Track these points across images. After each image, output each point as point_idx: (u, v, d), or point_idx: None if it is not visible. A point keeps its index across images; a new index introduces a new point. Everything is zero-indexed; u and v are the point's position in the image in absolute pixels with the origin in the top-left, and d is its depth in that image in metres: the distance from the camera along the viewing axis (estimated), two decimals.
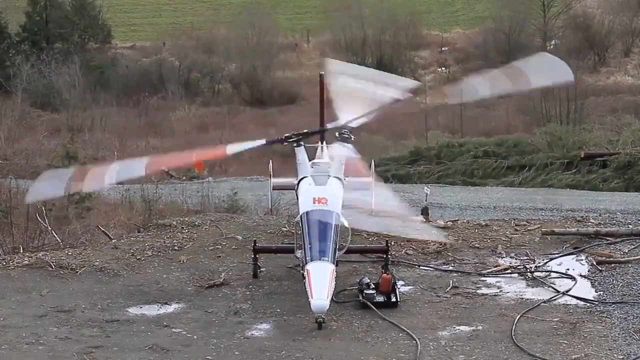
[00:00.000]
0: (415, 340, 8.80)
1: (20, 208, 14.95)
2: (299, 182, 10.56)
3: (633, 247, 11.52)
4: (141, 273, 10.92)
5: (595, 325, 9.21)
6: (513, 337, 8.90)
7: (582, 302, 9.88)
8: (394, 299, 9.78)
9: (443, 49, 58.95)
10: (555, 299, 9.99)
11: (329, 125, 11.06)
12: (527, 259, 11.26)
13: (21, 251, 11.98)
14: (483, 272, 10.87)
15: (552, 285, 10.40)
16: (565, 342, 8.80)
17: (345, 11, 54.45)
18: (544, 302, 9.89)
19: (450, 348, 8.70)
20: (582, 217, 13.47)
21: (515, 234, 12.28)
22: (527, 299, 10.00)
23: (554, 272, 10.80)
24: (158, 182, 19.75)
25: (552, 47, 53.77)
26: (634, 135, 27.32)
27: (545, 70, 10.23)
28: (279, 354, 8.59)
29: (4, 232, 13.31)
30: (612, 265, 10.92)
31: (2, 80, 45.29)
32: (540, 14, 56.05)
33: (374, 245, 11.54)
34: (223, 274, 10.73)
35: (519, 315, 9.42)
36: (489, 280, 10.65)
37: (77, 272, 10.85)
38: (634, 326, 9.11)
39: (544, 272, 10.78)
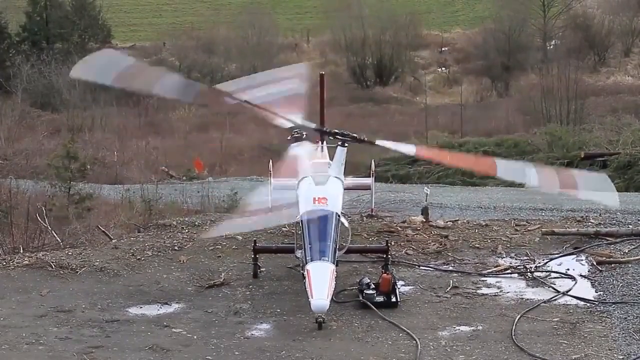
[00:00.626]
0: (415, 340, 8.80)
1: (20, 208, 14.96)
2: (299, 182, 10.57)
3: (633, 247, 11.53)
4: (141, 273, 10.92)
5: (595, 325, 9.21)
6: (513, 337, 8.90)
7: (582, 302, 9.88)
8: (394, 299, 9.78)
9: (443, 49, 58.97)
10: (555, 299, 9.99)
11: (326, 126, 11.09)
12: (527, 259, 11.26)
13: (21, 251, 11.99)
14: (483, 272, 10.88)
15: (552, 285, 10.40)
16: (565, 342, 8.80)
17: (345, 11, 54.44)
18: (544, 302, 9.89)
19: (450, 348, 8.70)
20: (582, 217, 13.48)
21: (515, 234, 12.29)
22: (527, 299, 10.00)
23: (554, 272, 10.81)
24: (158, 182, 19.78)
25: (552, 47, 53.82)
26: (634, 135, 27.29)
27: (595, 187, 10.32)
28: (279, 354, 8.59)
29: (4, 232, 13.31)
30: (612, 265, 10.93)
31: (2, 80, 45.28)
32: (540, 14, 56.05)
33: (374, 245, 11.56)
34: (223, 274, 10.73)
35: (519, 315, 9.42)
36: (489, 280, 10.66)
37: (77, 272, 10.85)
38: (634, 326, 9.11)
39: (544, 272, 10.78)
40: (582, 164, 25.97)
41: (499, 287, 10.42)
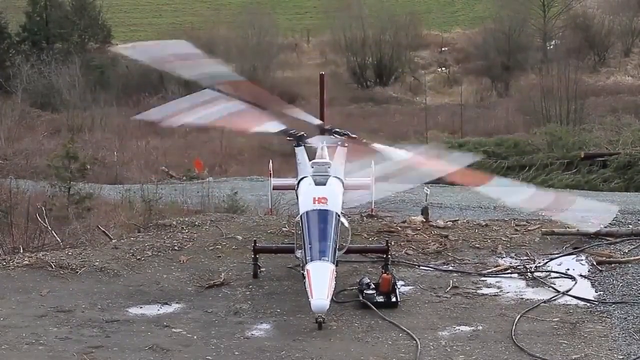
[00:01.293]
0: (415, 340, 8.80)
1: (20, 208, 14.96)
2: (299, 182, 10.57)
3: (633, 247, 11.53)
4: (141, 273, 10.92)
5: (596, 325, 9.21)
6: (513, 337, 8.90)
7: (582, 302, 9.88)
8: (394, 299, 9.79)
9: (443, 49, 58.94)
10: (555, 299, 9.99)
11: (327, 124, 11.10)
12: (527, 259, 11.26)
13: (21, 251, 11.98)
14: (483, 272, 10.88)
15: (552, 285, 10.40)
16: (565, 342, 8.80)
17: (345, 11, 54.42)
18: (544, 302, 9.89)
19: (450, 348, 8.70)
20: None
21: (515, 234, 12.29)
22: (527, 299, 10.00)
23: (554, 272, 10.81)
24: (158, 182, 19.78)
25: (552, 47, 53.80)
26: (634, 135, 27.29)
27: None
28: (279, 354, 8.59)
29: (4, 232, 13.31)
30: (612, 265, 10.93)
31: (2, 80, 45.24)
32: (540, 14, 56.02)
33: (374, 245, 11.55)
34: (223, 274, 10.73)
35: (519, 315, 9.42)
36: (489, 280, 10.66)
37: (77, 272, 10.85)
38: (634, 326, 9.12)
39: (544, 272, 10.78)
40: (582, 164, 25.99)
41: (499, 287, 10.43)
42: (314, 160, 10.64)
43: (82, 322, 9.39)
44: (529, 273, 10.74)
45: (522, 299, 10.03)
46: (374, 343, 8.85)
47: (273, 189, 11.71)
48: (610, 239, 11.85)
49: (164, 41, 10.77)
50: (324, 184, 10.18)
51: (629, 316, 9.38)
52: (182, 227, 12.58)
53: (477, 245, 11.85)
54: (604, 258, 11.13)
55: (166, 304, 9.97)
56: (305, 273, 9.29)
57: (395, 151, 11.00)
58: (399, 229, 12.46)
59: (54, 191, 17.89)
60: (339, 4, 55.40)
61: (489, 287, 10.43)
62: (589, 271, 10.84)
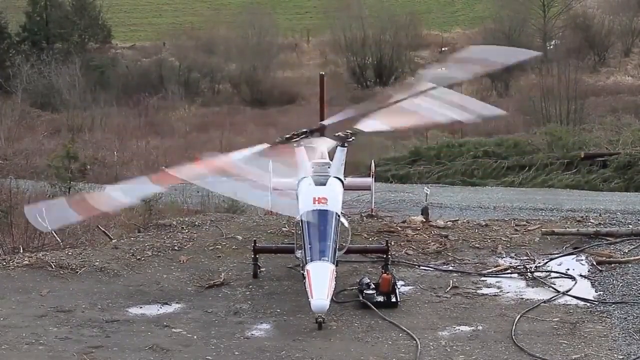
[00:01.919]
0: (415, 340, 8.80)
1: (20, 208, 14.94)
2: (299, 182, 10.57)
3: (633, 247, 11.53)
4: (141, 273, 10.92)
5: (596, 325, 9.21)
6: (513, 337, 8.90)
7: (582, 302, 9.88)
8: (394, 299, 9.79)
9: (443, 49, 58.90)
10: (555, 299, 10.00)
11: (326, 122, 11.07)
12: (527, 259, 11.26)
13: (21, 251, 11.99)
14: (483, 272, 10.88)
15: (552, 285, 10.40)
16: (565, 342, 8.80)
17: (345, 11, 54.40)
18: (544, 302, 9.89)
19: (450, 348, 8.70)
20: (582, 217, 13.48)
21: (515, 234, 12.29)
22: (527, 299, 10.00)
23: (554, 272, 10.81)
24: None
25: (552, 47, 53.77)
26: (634, 135, 27.31)
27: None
28: (279, 354, 8.59)
29: (4, 232, 13.31)
30: (612, 265, 10.93)
31: (2, 80, 45.24)
32: (540, 14, 56.00)
33: (374, 245, 11.56)
34: (223, 274, 10.73)
35: (519, 315, 9.42)
36: (489, 280, 10.66)
37: (77, 272, 10.85)
38: (634, 326, 9.12)
39: (544, 272, 10.78)
40: (582, 164, 25.99)
41: (499, 287, 10.43)
42: (314, 161, 10.64)
43: (82, 322, 9.40)
44: (529, 273, 10.74)
45: (522, 299, 10.03)
46: (374, 343, 8.85)
47: (273, 189, 11.71)
48: (610, 239, 11.85)
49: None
50: (324, 184, 10.18)
51: (629, 316, 9.39)
52: (182, 227, 12.58)
53: (477, 245, 11.85)
54: (604, 258, 11.14)
55: (166, 304, 9.98)
56: (305, 273, 9.30)
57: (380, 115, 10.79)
58: (399, 229, 12.47)
59: (54, 191, 17.89)
60: (339, 4, 55.37)
61: (489, 287, 10.43)
62: (589, 271, 10.84)
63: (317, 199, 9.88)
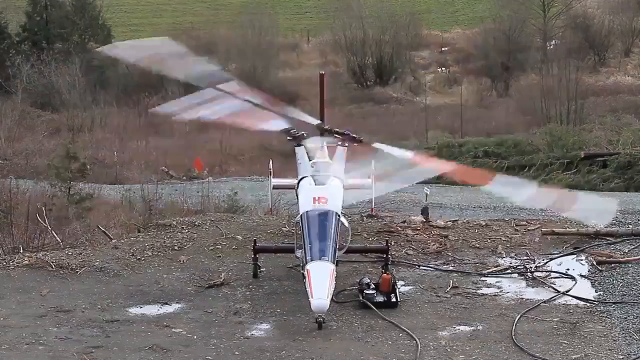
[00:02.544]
0: (415, 340, 8.80)
1: (20, 208, 14.95)
2: (299, 181, 10.58)
3: (633, 247, 11.53)
4: (141, 273, 10.93)
5: (596, 325, 9.21)
6: (513, 337, 8.90)
7: (582, 302, 9.88)
8: (394, 299, 9.79)
9: (443, 49, 58.93)
10: (555, 299, 10.00)
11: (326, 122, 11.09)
12: (527, 259, 11.26)
13: (21, 251, 11.98)
14: (483, 272, 10.88)
15: (552, 285, 10.40)
16: (565, 342, 8.80)
17: (345, 11, 54.41)
18: (544, 302, 9.90)
19: (450, 348, 8.70)
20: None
21: (515, 234, 12.29)
22: (527, 299, 10.01)
23: (554, 272, 10.81)
24: (158, 182, 19.77)
25: (552, 47, 53.78)
26: (634, 135, 27.31)
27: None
28: (279, 354, 8.59)
29: (4, 232, 13.30)
30: (612, 265, 10.93)
31: (2, 80, 45.22)
32: (540, 14, 56.01)
33: (374, 245, 11.55)
34: (223, 274, 10.73)
35: (519, 315, 9.42)
36: (489, 280, 10.66)
37: (77, 272, 10.85)
38: (634, 326, 9.12)
39: (544, 272, 10.78)
40: (582, 164, 26.00)
41: (499, 287, 10.43)
42: (314, 160, 10.64)
43: (82, 322, 9.40)
44: (529, 273, 10.74)
45: (522, 299, 10.04)
46: (374, 343, 8.85)
47: (273, 189, 11.71)
48: (610, 239, 11.86)
49: (149, 40, 10.90)
50: (324, 184, 10.18)
51: (629, 316, 9.39)
52: (182, 227, 12.58)
53: (477, 245, 11.85)
54: (604, 258, 11.14)
55: (166, 304, 9.98)
56: (305, 273, 9.29)
57: (396, 150, 10.99)
58: (399, 229, 12.47)
59: (54, 191, 17.87)
60: (339, 4, 55.38)
61: (489, 287, 10.44)
62: (589, 271, 10.84)
63: (317, 198, 9.88)
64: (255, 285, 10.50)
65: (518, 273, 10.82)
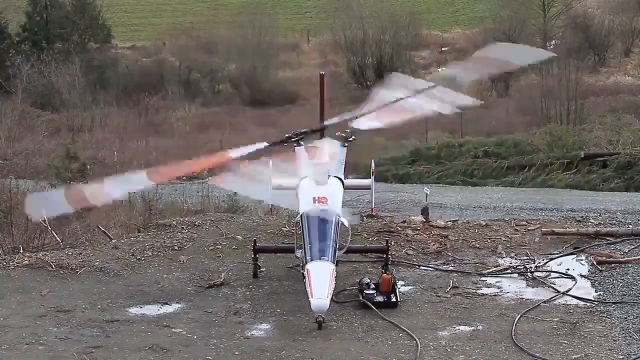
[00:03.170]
0: (415, 340, 8.80)
1: (20, 208, 14.95)
2: (299, 181, 10.56)
3: (633, 247, 11.53)
4: (141, 273, 10.93)
5: (596, 325, 9.21)
6: (513, 337, 8.90)
7: (582, 302, 9.88)
8: (394, 299, 9.79)
9: (443, 49, 58.92)
10: (555, 299, 10.00)
11: (327, 122, 11.07)
12: (527, 259, 11.26)
13: (21, 251, 11.99)
14: (483, 272, 10.88)
15: (552, 285, 10.40)
16: (565, 342, 8.80)
17: (345, 11, 54.41)
18: (544, 302, 9.89)
19: (450, 348, 8.70)
20: (582, 217, 13.47)
21: (515, 234, 12.29)
22: (527, 299, 10.01)
23: (554, 272, 10.81)
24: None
25: (552, 47, 53.77)
26: (634, 135, 27.33)
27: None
28: (279, 354, 8.59)
29: (4, 232, 13.31)
30: (612, 265, 10.93)
31: (2, 80, 45.23)
32: (540, 14, 56.02)
33: (374, 245, 11.56)
34: (223, 274, 10.73)
35: (519, 315, 9.42)
36: (489, 280, 10.66)
37: (77, 272, 10.85)
38: (634, 326, 9.12)
39: (544, 272, 10.78)
40: (582, 164, 26.01)
41: (499, 287, 10.43)
42: (314, 161, 10.64)
43: (82, 322, 9.40)
44: (529, 273, 10.74)
45: (522, 299, 10.03)
46: (374, 343, 8.85)
47: (273, 189, 11.71)
48: (610, 239, 11.86)
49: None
50: (324, 184, 10.18)
51: (629, 316, 9.39)
52: (182, 227, 12.59)
53: (477, 245, 11.85)
54: (604, 258, 11.14)
55: (166, 304, 9.98)
56: (305, 273, 9.29)
57: (370, 113, 10.76)
58: (399, 229, 12.47)
59: None
60: (339, 4, 55.38)
61: (489, 287, 10.44)
62: (589, 271, 10.84)
63: (317, 198, 9.88)
64: (255, 285, 10.50)
65: (518, 273, 10.82)
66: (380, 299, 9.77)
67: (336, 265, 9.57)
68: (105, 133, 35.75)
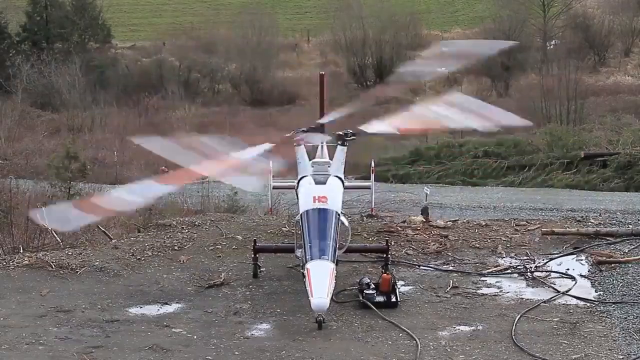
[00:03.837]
0: (415, 340, 8.80)
1: (20, 208, 14.95)
2: (299, 181, 10.58)
3: (633, 247, 11.53)
4: (141, 273, 10.93)
5: (595, 325, 9.22)
6: (513, 337, 8.90)
7: (582, 302, 9.88)
8: (394, 299, 9.79)
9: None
10: (555, 299, 10.00)
11: (326, 121, 11.07)
12: (527, 259, 11.26)
13: (21, 251, 11.99)
14: (483, 272, 10.88)
15: (552, 285, 10.40)
16: (565, 342, 8.80)
17: (345, 11, 54.40)
18: (544, 302, 9.90)
19: (450, 348, 8.70)
20: (582, 217, 13.47)
21: (515, 234, 12.29)
22: (527, 299, 10.01)
23: (554, 272, 10.81)
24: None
25: (552, 47, 53.77)
26: (634, 135, 27.30)
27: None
28: (279, 354, 8.59)
29: (4, 232, 13.30)
30: (612, 265, 10.93)
31: (2, 80, 45.21)
32: (540, 14, 55.97)
33: (374, 245, 11.55)
34: (223, 274, 10.73)
35: (519, 315, 9.42)
36: (489, 280, 10.66)
37: (77, 272, 10.85)
38: (634, 326, 9.12)
39: (544, 272, 10.78)
40: (582, 164, 25.99)
41: (499, 287, 10.43)
42: (314, 160, 10.65)
43: (82, 322, 9.40)
44: (529, 273, 10.74)
45: (522, 299, 10.03)
46: (374, 343, 8.85)
47: (273, 189, 11.71)
48: (610, 239, 11.86)
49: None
50: (324, 183, 10.18)
51: (629, 316, 9.39)
52: (182, 227, 12.59)
53: (477, 245, 11.85)
54: (604, 258, 11.14)
55: (166, 304, 9.98)
56: (305, 272, 9.29)
57: (382, 126, 10.73)
58: (399, 229, 12.47)
59: (54, 191, 17.88)
60: (339, 4, 55.36)
61: (489, 287, 10.43)
62: (589, 271, 10.84)
63: (317, 197, 9.88)
64: (255, 285, 10.50)
65: (518, 273, 10.82)
66: (380, 299, 9.77)
67: (336, 264, 9.57)
68: (105, 133, 35.73)
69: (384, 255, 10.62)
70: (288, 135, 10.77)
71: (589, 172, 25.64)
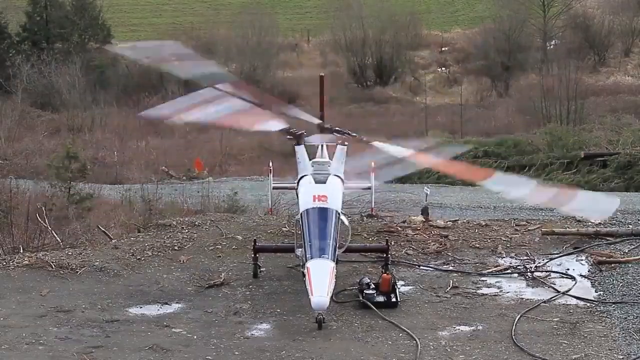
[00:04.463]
0: (415, 340, 8.81)
1: (20, 208, 14.95)
2: (299, 180, 10.58)
3: (633, 247, 11.53)
4: (141, 273, 10.93)
5: (596, 325, 9.22)
6: (513, 337, 8.90)
7: (582, 302, 9.89)
8: (394, 299, 9.79)
9: (443, 49, 58.91)
10: (555, 299, 10.00)
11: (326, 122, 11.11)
12: (527, 259, 11.27)
13: (21, 251, 11.99)
14: (483, 272, 10.88)
15: (552, 285, 10.40)
16: (565, 342, 8.81)
17: (345, 11, 54.41)
18: (544, 302, 9.90)
19: (450, 348, 8.71)
20: (582, 217, 13.46)
21: (515, 234, 12.30)
22: (527, 299, 10.01)
23: (554, 272, 10.81)
24: (158, 182, 19.77)
25: (552, 47, 53.77)
26: (634, 135, 27.30)
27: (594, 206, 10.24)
28: (279, 354, 8.60)
29: (4, 232, 13.30)
30: (612, 265, 10.93)
31: (2, 80, 45.21)
32: (540, 14, 55.97)
33: (374, 244, 11.56)
34: (223, 274, 10.74)
35: (519, 315, 9.43)
36: (489, 280, 10.66)
37: (77, 272, 10.85)
38: (634, 326, 9.12)
39: (544, 272, 10.78)
40: (582, 164, 26.00)
41: (499, 287, 10.43)
42: (314, 159, 10.66)
43: (82, 322, 9.40)
44: (529, 273, 10.74)
45: (522, 299, 10.04)
46: (374, 343, 8.85)
47: (273, 189, 11.72)
48: (610, 239, 11.86)
49: (161, 41, 10.95)
50: (324, 182, 10.19)
51: (629, 316, 9.39)
52: (182, 227, 12.59)
53: (477, 245, 11.85)
54: (604, 258, 11.14)
55: (166, 304, 9.98)
56: (305, 271, 9.30)
57: (395, 148, 10.97)
58: (399, 229, 12.47)
59: (54, 191, 17.89)
60: (339, 4, 55.38)
61: (489, 287, 10.44)
62: (589, 271, 10.84)
63: (317, 196, 9.89)
64: (255, 285, 10.50)
65: (518, 273, 10.82)
66: (380, 299, 9.77)
67: (336, 263, 9.57)
68: (105, 133, 35.73)
69: (384, 255, 10.63)
70: (288, 136, 10.78)
71: (589, 172, 25.65)
